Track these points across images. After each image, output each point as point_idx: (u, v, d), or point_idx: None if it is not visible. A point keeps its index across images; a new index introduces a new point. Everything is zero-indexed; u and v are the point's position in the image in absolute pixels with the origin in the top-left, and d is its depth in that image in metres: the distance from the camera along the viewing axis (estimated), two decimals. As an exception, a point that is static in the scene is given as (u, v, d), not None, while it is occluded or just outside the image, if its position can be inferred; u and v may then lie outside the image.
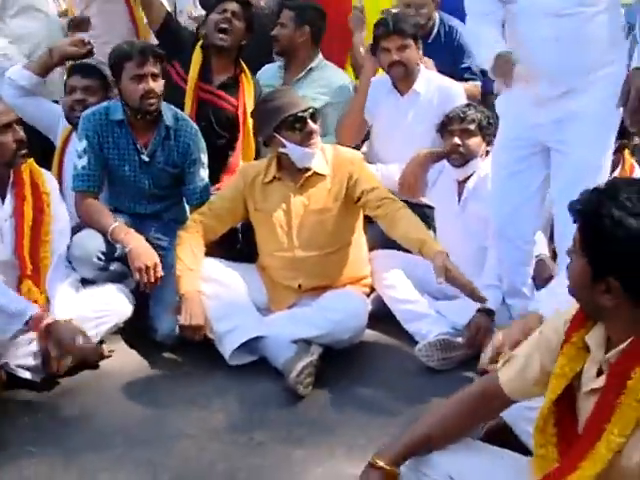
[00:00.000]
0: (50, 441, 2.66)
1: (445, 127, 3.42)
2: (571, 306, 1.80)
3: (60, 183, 3.56)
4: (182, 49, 3.90)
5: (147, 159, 3.38)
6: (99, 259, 3.17)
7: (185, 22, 4.80)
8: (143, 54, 3.22)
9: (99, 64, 3.70)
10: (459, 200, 3.40)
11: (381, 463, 1.92)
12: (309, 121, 3.13)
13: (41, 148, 3.82)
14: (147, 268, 3.09)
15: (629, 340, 1.65)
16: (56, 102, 4.07)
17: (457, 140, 3.34)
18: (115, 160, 3.38)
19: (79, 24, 4.35)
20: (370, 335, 3.30)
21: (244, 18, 3.85)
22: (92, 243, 3.18)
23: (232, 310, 3.11)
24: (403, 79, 3.87)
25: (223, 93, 3.86)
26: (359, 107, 3.93)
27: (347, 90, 4.15)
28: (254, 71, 4.15)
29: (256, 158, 3.79)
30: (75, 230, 3.27)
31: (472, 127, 3.35)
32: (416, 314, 3.26)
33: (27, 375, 2.92)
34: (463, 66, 4.25)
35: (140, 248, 3.15)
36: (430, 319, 3.22)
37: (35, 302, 2.98)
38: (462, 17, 3.25)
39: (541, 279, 3.20)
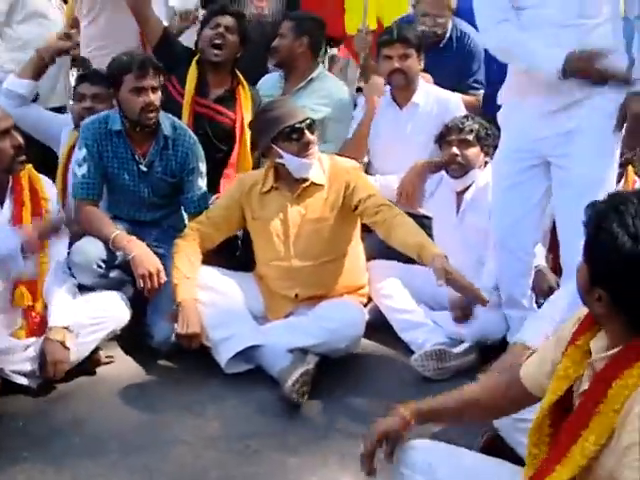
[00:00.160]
0: (44, 446, 2.66)
1: (443, 137, 3.44)
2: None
3: (65, 190, 3.58)
4: (179, 64, 3.91)
5: (145, 169, 3.39)
6: (99, 266, 3.18)
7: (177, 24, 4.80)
8: (143, 67, 3.23)
9: None
10: (457, 211, 3.42)
11: (403, 410, 2.00)
12: (306, 132, 3.14)
13: (42, 155, 3.84)
14: (150, 274, 3.10)
15: (617, 349, 1.65)
16: (58, 109, 4.09)
17: (455, 150, 3.35)
18: (114, 169, 3.40)
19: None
20: (367, 344, 3.30)
21: (238, 31, 3.85)
22: (93, 250, 3.19)
23: (228, 318, 3.12)
24: (403, 89, 3.88)
25: (220, 107, 3.86)
26: (363, 136, 3.93)
27: (347, 102, 4.16)
28: (258, 81, 4.18)
29: (257, 168, 3.79)
30: (74, 238, 3.28)
31: (470, 137, 3.36)
32: (412, 324, 3.27)
33: (23, 381, 2.91)
34: (471, 76, 4.23)
35: (143, 255, 3.16)
36: (426, 329, 3.23)
37: (29, 307, 3.00)
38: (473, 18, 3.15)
39: (540, 289, 3.20)
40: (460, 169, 3.36)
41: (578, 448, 1.62)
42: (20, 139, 2.92)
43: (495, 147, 3.29)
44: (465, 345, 3.16)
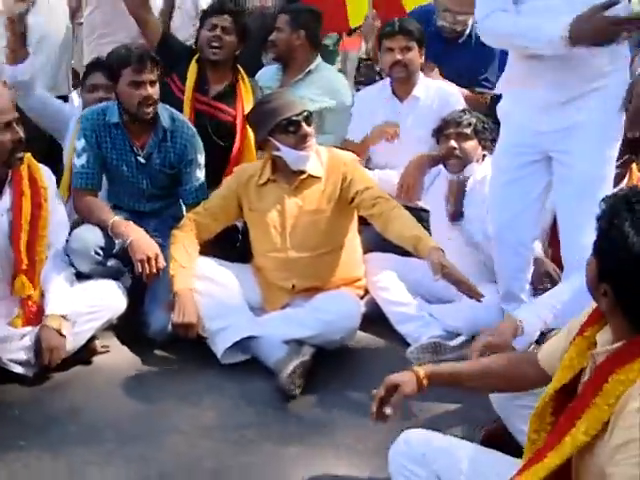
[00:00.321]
0: (40, 435, 2.67)
1: (441, 131, 3.44)
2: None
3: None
4: (180, 62, 3.91)
5: (144, 161, 3.40)
6: (97, 254, 3.18)
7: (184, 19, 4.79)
8: (141, 61, 3.23)
9: None
10: (454, 204, 3.43)
11: (417, 369, 2.06)
12: (303, 124, 3.14)
13: (47, 145, 3.83)
14: (149, 259, 3.11)
15: (618, 344, 1.66)
16: (63, 98, 4.06)
17: (453, 143, 3.35)
18: (113, 160, 3.41)
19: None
20: (363, 337, 3.31)
21: (235, 31, 3.82)
22: (91, 237, 3.20)
23: (225, 309, 3.12)
24: (403, 82, 3.88)
25: (219, 104, 3.86)
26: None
27: (346, 93, 4.16)
28: (255, 72, 4.18)
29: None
30: (74, 227, 3.29)
31: (468, 131, 3.36)
32: (408, 316, 3.27)
33: (19, 369, 2.93)
34: (482, 74, 4.20)
35: (141, 240, 3.17)
36: (422, 322, 3.24)
37: (28, 297, 3.00)
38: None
39: (538, 274, 3.20)
40: (458, 163, 3.36)
41: (570, 437, 1.64)
42: (21, 133, 2.89)
43: (493, 141, 3.29)
44: (461, 338, 3.17)
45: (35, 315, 3.01)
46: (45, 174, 3.10)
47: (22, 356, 2.93)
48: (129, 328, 3.28)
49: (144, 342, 3.25)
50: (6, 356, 2.89)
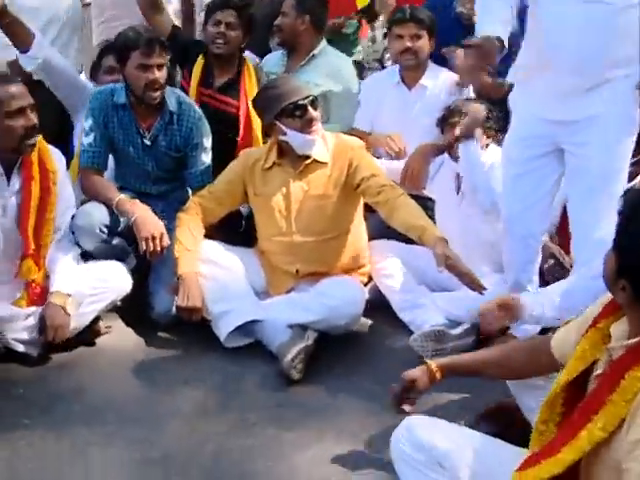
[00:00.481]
0: (43, 414, 2.69)
1: (445, 120, 3.42)
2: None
3: None
4: (189, 58, 3.91)
5: (149, 143, 3.40)
6: (101, 231, 3.18)
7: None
8: (150, 44, 3.23)
9: None
10: (458, 191, 3.41)
11: (430, 363, 2.15)
12: (309, 108, 3.13)
13: (58, 126, 3.81)
14: (153, 237, 3.11)
15: (635, 339, 1.65)
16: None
17: (458, 132, 3.34)
18: (120, 141, 3.41)
19: None
20: (366, 323, 3.32)
21: (240, 25, 3.78)
22: (97, 214, 3.20)
23: (229, 292, 3.13)
24: (411, 70, 3.87)
25: (223, 96, 3.84)
26: None
27: (351, 77, 4.11)
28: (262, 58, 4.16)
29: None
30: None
31: None
32: (412, 304, 3.27)
33: (23, 349, 2.95)
34: (502, 62, 4.12)
35: (146, 218, 3.17)
36: (425, 309, 3.24)
37: (33, 281, 3.01)
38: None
39: (542, 257, 3.20)
40: None
41: (586, 432, 1.63)
42: (34, 120, 2.88)
43: (498, 130, 3.27)
44: (464, 326, 3.17)
45: (39, 296, 3.03)
46: (55, 157, 3.10)
47: (26, 336, 2.95)
48: (133, 309, 3.30)
49: (148, 324, 3.26)
50: (11, 335, 2.91)
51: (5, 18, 3.37)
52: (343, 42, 4.76)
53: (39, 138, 2.99)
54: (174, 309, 3.14)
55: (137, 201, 3.27)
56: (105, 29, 4.30)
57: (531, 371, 2.12)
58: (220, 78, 3.87)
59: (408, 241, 3.25)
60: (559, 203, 3.21)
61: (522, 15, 2.88)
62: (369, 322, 3.34)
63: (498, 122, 3.32)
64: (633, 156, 2.90)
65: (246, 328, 3.09)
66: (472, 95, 3.79)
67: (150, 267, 3.34)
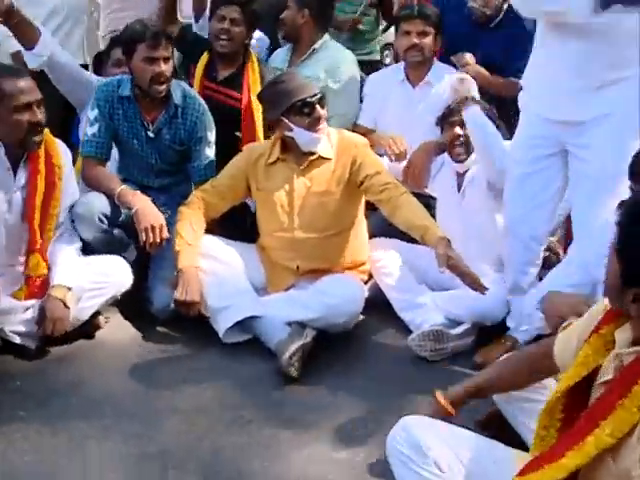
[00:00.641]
0: (40, 407, 2.69)
1: (445, 119, 3.42)
2: None
3: None
4: (195, 53, 3.91)
5: (153, 135, 3.40)
6: (101, 221, 3.18)
7: None
8: (156, 37, 3.23)
9: None
10: (459, 189, 3.41)
11: (440, 399, 2.16)
12: (317, 106, 3.13)
13: (60, 119, 3.80)
14: (153, 228, 3.11)
15: None
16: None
17: (458, 130, 3.33)
18: (124, 132, 3.42)
19: None
20: (365, 322, 3.30)
21: (244, 21, 3.78)
22: (96, 203, 3.20)
23: (228, 288, 3.13)
24: (417, 67, 3.85)
25: (227, 89, 3.83)
26: None
27: (350, 72, 4.07)
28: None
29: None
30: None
31: None
32: (412, 303, 3.26)
33: (22, 341, 2.94)
34: (516, 60, 3.99)
35: (147, 209, 3.17)
36: (425, 309, 3.23)
37: (40, 275, 3.00)
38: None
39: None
40: (465, 152, 3.34)
41: (593, 438, 1.62)
42: (40, 116, 2.87)
43: (497, 128, 3.25)
44: (464, 327, 3.16)
45: (38, 289, 3.02)
46: (61, 151, 3.10)
47: (24, 328, 2.94)
48: (132, 304, 3.29)
49: (147, 318, 3.26)
50: (9, 328, 2.91)
51: (13, 18, 3.36)
52: (358, 39, 4.71)
53: (46, 131, 2.98)
54: (173, 304, 3.13)
55: (138, 192, 3.27)
56: (112, 20, 4.29)
57: (534, 380, 2.13)
58: (224, 71, 3.86)
59: (409, 240, 3.24)
60: (562, 209, 3.20)
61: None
62: (368, 320, 3.33)
63: (495, 120, 3.30)
64: None
65: (245, 324, 3.08)
66: (476, 95, 3.77)
67: (149, 260, 3.34)
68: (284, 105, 3.12)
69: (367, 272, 3.41)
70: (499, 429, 2.30)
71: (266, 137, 3.65)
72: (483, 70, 3.90)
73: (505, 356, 2.31)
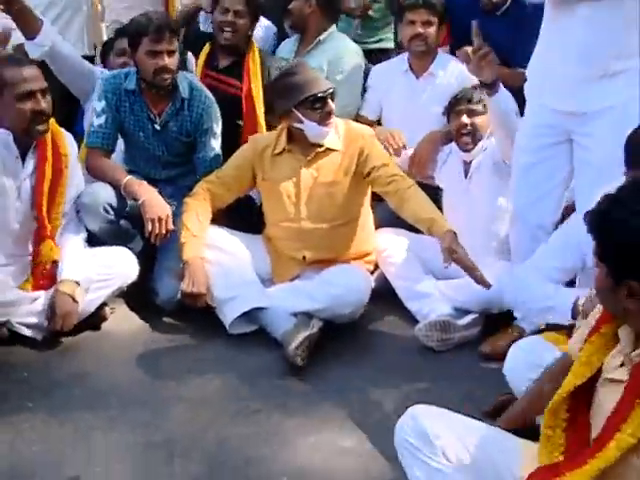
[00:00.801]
0: (47, 397, 2.69)
1: (452, 108, 3.41)
2: None
3: None
4: (198, 45, 3.92)
5: (159, 128, 3.40)
6: (106, 211, 3.18)
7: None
8: (160, 31, 3.23)
9: None
10: (465, 176, 3.40)
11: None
12: (329, 101, 3.13)
13: (68, 109, 3.80)
14: (160, 219, 3.12)
15: None
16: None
17: (465, 119, 3.32)
18: (130, 125, 3.42)
19: None
20: (372, 312, 3.29)
21: (248, 13, 3.77)
22: (102, 193, 3.20)
23: (234, 279, 3.12)
24: (420, 57, 3.83)
25: (228, 78, 3.82)
26: None
27: (352, 64, 4.03)
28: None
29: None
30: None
31: (479, 107, 3.33)
32: (418, 293, 3.26)
33: (28, 333, 2.96)
34: (524, 49, 3.99)
35: (153, 200, 3.18)
36: (432, 299, 3.22)
37: (53, 261, 3.01)
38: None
39: None
40: (472, 142, 3.33)
41: (615, 441, 1.62)
42: (44, 105, 2.87)
43: None
44: (470, 317, 3.15)
45: (45, 280, 3.03)
46: (67, 141, 3.10)
47: (32, 320, 2.96)
48: (138, 295, 3.29)
49: (153, 309, 3.26)
50: (16, 319, 2.92)
51: (15, 4, 3.36)
52: (368, 26, 4.67)
53: (52, 121, 2.99)
54: (179, 295, 3.13)
55: (145, 183, 3.27)
56: (114, 10, 4.28)
57: None
58: (224, 60, 3.85)
59: (416, 230, 3.23)
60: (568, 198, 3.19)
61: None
62: (375, 310, 3.32)
63: None
64: None
65: (251, 315, 3.08)
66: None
67: (156, 251, 3.34)
68: (296, 98, 3.10)
69: (373, 262, 3.40)
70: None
71: (267, 123, 3.66)
72: None
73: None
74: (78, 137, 3.45)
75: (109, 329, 3.15)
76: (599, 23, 2.65)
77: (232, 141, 3.52)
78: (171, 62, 3.27)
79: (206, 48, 3.87)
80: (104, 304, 3.16)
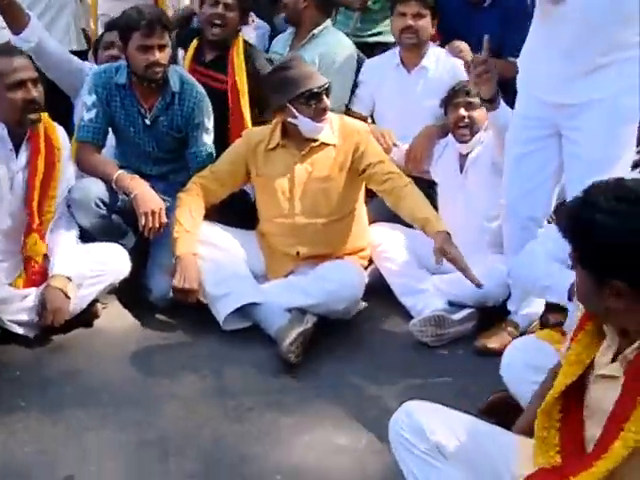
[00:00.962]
0: (39, 396, 2.68)
1: (450, 100, 3.40)
2: None
3: None
4: (187, 41, 3.89)
5: (149, 123, 3.38)
6: (98, 206, 3.15)
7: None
8: (151, 26, 3.20)
9: None
10: (461, 170, 3.39)
11: None
12: (324, 97, 3.11)
13: (63, 104, 3.77)
14: (153, 213, 3.10)
15: None
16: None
17: (463, 112, 3.32)
18: (121, 120, 3.39)
19: None
20: (366, 308, 3.28)
21: (238, 7, 3.73)
22: (93, 188, 3.18)
23: (228, 275, 3.11)
24: (411, 50, 3.81)
25: (212, 71, 3.78)
26: None
27: (347, 60, 3.99)
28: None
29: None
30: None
31: (477, 100, 3.31)
32: (413, 288, 3.25)
33: (20, 330, 2.93)
34: (513, 41, 3.71)
35: (146, 193, 3.16)
36: (426, 294, 3.21)
37: (37, 256, 2.99)
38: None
39: None
40: (470, 134, 3.33)
41: (620, 441, 1.62)
42: (34, 94, 2.86)
43: None
44: (465, 312, 3.15)
45: (37, 276, 3.01)
46: (60, 135, 3.09)
47: (23, 317, 2.93)
48: (131, 291, 3.27)
49: (145, 306, 3.24)
50: (7, 317, 2.89)
51: None
52: (367, 19, 4.63)
53: (45, 115, 2.98)
54: (171, 292, 3.11)
55: (137, 177, 3.25)
56: (104, 3, 4.24)
57: None
58: (210, 54, 3.82)
59: (411, 225, 3.23)
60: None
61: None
62: (369, 306, 3.31)
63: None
64: (638, 144, 2.87)
65: (244, 311, 3.07)
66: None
67: (149, 247, 3.32)
68: (291, 93, 3.09)
69: (367, 257, 3.39)
70: (501, 416, 2.29)
71: (253, 118, 3.64)
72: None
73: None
74: (70, 132, 3.44)
75: (101, 326, 3.13)
76: (584, 20, 2.63)
77: (221, 135, 3.51)
78: (162, 56, 3.25)
79: (194, 43, 3.84)
80: (96, 301, 3.14)
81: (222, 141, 3.51)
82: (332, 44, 4.02)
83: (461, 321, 3.13)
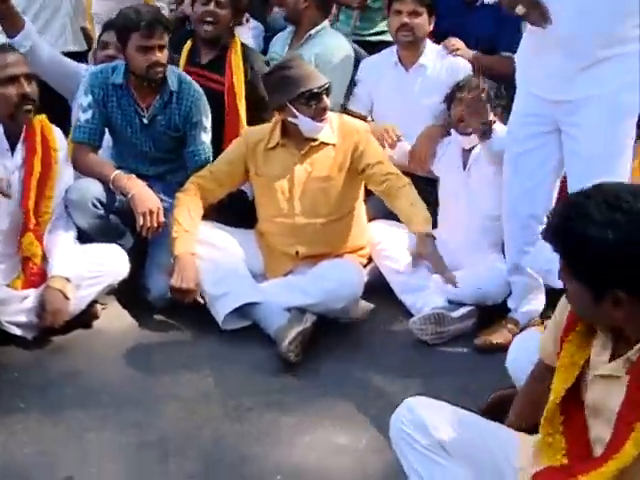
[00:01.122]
0: (39, 397, 2.67)
1: (454, 95, 3.39)
2: None
3: None
4: (180, 42, 3.85)
5: (147, 122, 3.37)
6: (95, 206, 3.15)
7: None
8: (150, 27, 3.19)
9: None
10: (464, 167, 3.39)
11: None
12: (324, 97, 3.11)
13: (60, 106, 3.77)
14: (151, 213, 3.10)
15: None
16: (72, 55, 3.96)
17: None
18: (118, 120, 3.38)
19: None
20: (365, 306, 3.28)
21: (230, 4, 3.72)
22: (90, 188, 3.17)
23: (227, 274, 3.10)
24: (408, 48, 3.80)
25: (209, 73, 3.77)
26: None
27: (343, 61, 3.98)
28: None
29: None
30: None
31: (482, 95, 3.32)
32: (412, 286, 3.24)
33: (19, 332, 2.93)
34: (507, 39, 3.81)
35: (143, 194, 3.16)
36: (426, 292, 3.20)
37: (30, 258, 2.98)
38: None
39: None
40: None
41: (631, 440, 1.61)
42: (27, 88, 2.87)
43: (504, 107, 3.24)
44: (464, 309, 3.14)
45: (36, 277, 3.00)
46: (57, 136, 3.09)
47: (22, 318, 2.93)
48: (129, 292, 3.26)
49: (144, 306, 3.24)
50: (6, 318, 2.89)
51: (3, 2, 3.33)
52: (366, 17, 4.61)
53: (43, 116, 2.98)
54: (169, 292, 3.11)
55: (133, 176, 3.25)
56: (96, 2, 4.23)
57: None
58: (206, 55, 3.81)
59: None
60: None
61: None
62: (368, 304, 3.31)
63: (503, 99, 3.28)
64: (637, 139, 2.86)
65: (243, 311, 3.06)
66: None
67: (147, 248, 3.31)
68: (291, 93, 3.09)
69: (366, 256, 3.39)
70: (501, 416, 2.28)
71: (248, 119, 3.63)
72: (474, 52, 3.86)
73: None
74: (67, 133, 3.43)
75: (100, 327, 3.13)
76: (583, 13, 2.61)
77: (216, 136, 3.50)
78: (162, 57, 3.25)
79: (187, 45, 3.83)
80: (95, 302, 3.14)
81: (217, 141, 3.51)
82: (329, 45, 4.02)
83: (461, 319, 3.13)
